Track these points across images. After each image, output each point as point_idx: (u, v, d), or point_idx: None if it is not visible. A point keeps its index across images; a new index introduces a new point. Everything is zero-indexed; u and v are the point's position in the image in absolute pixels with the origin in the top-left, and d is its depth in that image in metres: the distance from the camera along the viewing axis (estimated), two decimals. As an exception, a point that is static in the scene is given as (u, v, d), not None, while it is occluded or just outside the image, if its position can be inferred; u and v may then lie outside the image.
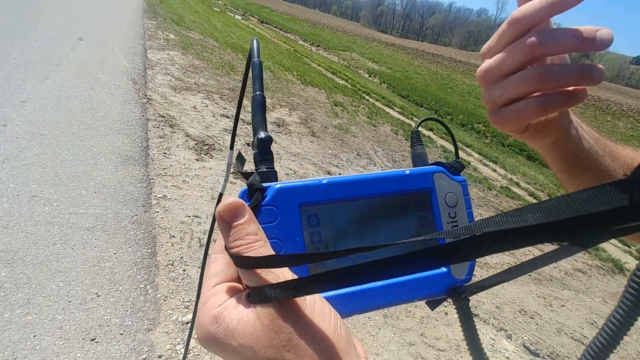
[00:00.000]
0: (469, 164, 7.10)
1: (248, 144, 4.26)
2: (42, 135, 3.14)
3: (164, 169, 3.24)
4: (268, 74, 8.29)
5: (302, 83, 8.72)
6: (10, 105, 3.47)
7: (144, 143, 3.54)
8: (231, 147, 0.49)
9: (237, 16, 26.33)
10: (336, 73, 13.72)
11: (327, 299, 0.28)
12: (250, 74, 0.39)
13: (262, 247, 0.26)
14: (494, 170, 7.44)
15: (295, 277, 0.26)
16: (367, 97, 10.66)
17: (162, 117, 4.19)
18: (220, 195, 0.50)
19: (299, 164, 4.26)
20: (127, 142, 3.44)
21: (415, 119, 9.92)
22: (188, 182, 3.17)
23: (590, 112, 19.50)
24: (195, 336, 0.27)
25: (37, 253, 2.04)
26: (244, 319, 0.24)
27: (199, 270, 2.29)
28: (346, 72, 15.03)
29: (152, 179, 3.05)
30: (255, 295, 0.24)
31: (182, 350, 1.82)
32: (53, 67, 4.72)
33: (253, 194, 0.30)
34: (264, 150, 0.33)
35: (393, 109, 10.36)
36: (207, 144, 3.93)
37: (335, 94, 8.88)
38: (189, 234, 2.57)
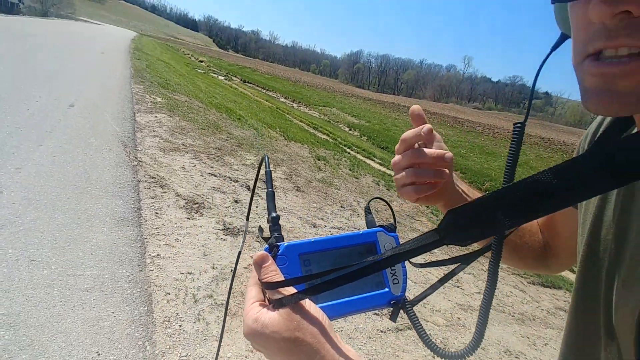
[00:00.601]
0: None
1: (236, 201, 4.45)
2: (38, 200, 3.28)
3: (156, 228, 3.37)
4: (252, 132, 8.68)
5: (285, 139, 9.13)
6: (5, 172, 3.62)
7: (137, 204, 3.69)
8: (247, 219, 0.71)
9: (220, 77, 27.52)
10: (317, 128, 14.33)
11: (320, 307, 0.49)
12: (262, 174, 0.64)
13: (279, 277, 0.45)
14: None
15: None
16: (348, 150, 11.15)
17: (153, 178, 4.38)
18: (239, 252, 0.73)
19: (286, 218, 4.45)
20: (120, 204, 3.59)
21: (395, 169, 10.34)
22: (180, 240, 3.30)
23: (558, 156, 20.65)
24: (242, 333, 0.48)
25: (38, 315, 2.12)
26: (271, 317, 0.42)
27: (195, 326, 2.38)
28: (327, 126, 15.71)
29: (146, 238, 3.17)
30: (277, 303, 0.42)
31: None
32: (46, 133, 4.93)
33: (272, 249, 0.51)
34: (275, 223, 0.55)
35: (374, 160, 10.82)
36: (197, 203, 4.10)
37: (318, 148, 9.29)
38: (183, 290, 2.68)
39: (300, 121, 15.23)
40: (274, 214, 0.54)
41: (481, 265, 5.31)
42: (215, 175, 5.07)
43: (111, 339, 2.12)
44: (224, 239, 3.55)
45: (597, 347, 0.49)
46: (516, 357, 3.33)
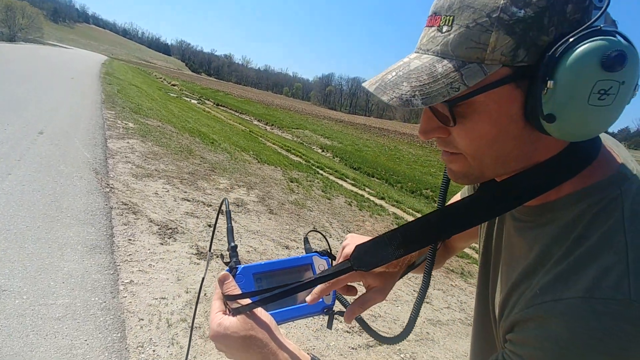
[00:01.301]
0: (418, 228, 7.66)
1: (210, 225, 4.52)
2: (8, 230, 3.27)
3: (129, 254, 3.41)
4: (225, 155, 8.78)
5: (259, 162, 9.26)
6: (-27, 203, 3.58)
7: (109, 231, 3.72)
8: (209, 249, 0.87)
9: (193, 101, 27.51)
10: (290, 150, 14.54)
11: (270, 313, 0.66)
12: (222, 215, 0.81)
13: (237, 291, 0.62)
14: (441, 233, 8.05)
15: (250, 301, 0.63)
16: (321, 171, 11.37)
17: (125, 204, 4.41)
18: (203, 279, 0.91)
19: (259, 241, 4.55)
20: (92, 232, 3.61)
21: (368, 189, 10.64)
22: (154, 266, 3.35)
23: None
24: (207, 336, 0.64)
25: (12, 345, 2.14)
26: (231, 321, 0.56)
27: (168, 350, 2.44)
28: (300, 148, 15.97)
29: (119, 265, 3.21)
30: (235, 311, 0.57)
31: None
32: (15, 162, 4.88)
33: (232, 270, 0.67)
34: (233, 251, 0.72)
35: (346, 181, 11.07)
36: (170, 228, 4.16)
37: (291, 170, 9.46)
38: (157, 315, 2.73)
39: (274, 144, 15.42)
40: (232, 244, 0.72)
41: (450, 281, 5.54)
42: (188, 200, 5.13)
43: (85, 365, 2.15)
44: (197, 263, 3.61)
45: (492, 344, 0.67)
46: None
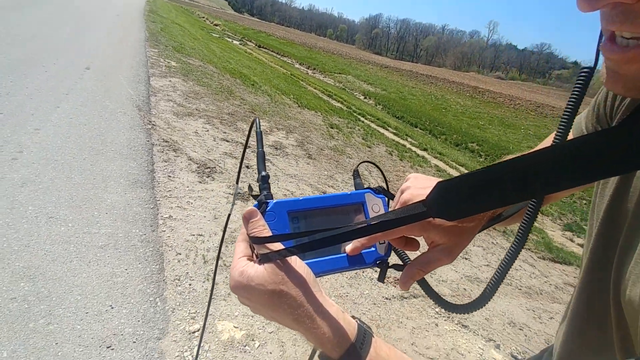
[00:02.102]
0: (461, 182, 7.33)
1: (247, 167, 4.49)
2: (56, 161, 3.37)
3: (169, 191, 3.45)
4: (265, 98, 8.62)
5: (299, 106, 9.04)
6: (25, 132, 3.71)
7: (150, 167, 3.76)
8: (237, 182, 0.72)
9: (235, 42, 27.07)
10: (332, 95, 14.12)
11: (306, 263, 0.51)
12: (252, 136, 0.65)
13: (267, 232, 0.46)
14: (486, 188, 7.67)
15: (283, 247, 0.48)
16: (362, 118, 11.00)
17: (166, 142, 4.43)
18: (229, 215, 0.76)
19: (296, 185, 4.48)
20: (134, 166, 3.67)
21: (410, 139, 10.22)
22: (192, 203, 3.37)
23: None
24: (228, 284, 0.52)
25: (55, 269, 2.23)
26: (257, 270, 0.43)
27: (204, 285, 2.47)
28: (342, 94, 15.46)
29: (159, 200, 3.26)
30: (263, 258, 0.44)
31: (190, 357, 1.99)
32: (63, 95, 4.99)
33: (261, 206, 0.52)
34: (265, 182, 0.56)
35: (387, 129, 10.67)
36: (209, 167, 4.16)
37: (331, 116, 9.19)
38: (193, 251, 2.77)
39: (315, 88, 15.00)
40: (263, 173, 0.55)
41: (491, 238, 5.30)
42: (227, 141, 5.10)
43: (124, 294, 2.23)
44: (235, 203, 3.61)
45: (603, 328, 0.51)
46: (520, 329, 3.38)
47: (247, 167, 4.51)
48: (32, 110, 4.23)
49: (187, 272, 2.55)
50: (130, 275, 2.37)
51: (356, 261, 0.57)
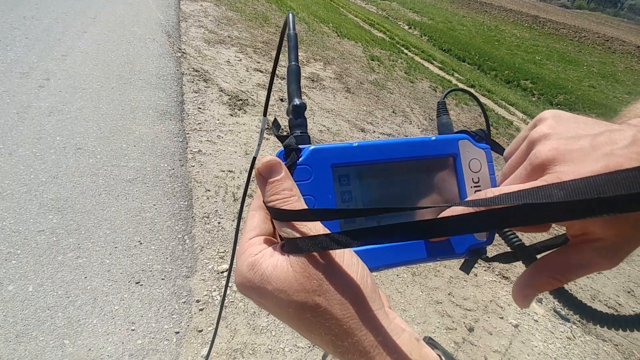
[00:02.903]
0: (511, 123, 6.74)
1: (282, 100, 4.22)
2: (84, 89, 3.24)
3: (198, 124, 3.28)
4: (303, 25, 8.02)
5: (338, 36, 8.39)
6: (52, 59, 3.57)
7: (179, 98, 3.58)
8: (264, 114, 0.49)
9: (271, -36, 25.22)
10: (374, 25, 13.06)
11: (356, 251, 0.31)
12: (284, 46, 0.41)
13: (297, 202, 0.29)
14: (539, 130, 7.04)
15: (327, 231, 0.28)
16: (405, 50, 10.15)
17: (196, 71, 4.19)
18: (254, 159, 0.52)
19: (333, 120, 4.19)
20: (163, 97, 3.49)
21: (457, 75, 9.40)
22: (222, 137, 3.21)
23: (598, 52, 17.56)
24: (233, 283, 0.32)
25: (84, 202, 2.17)
26: (278, 266, 0.27)
27: (234, 224, 2.36)
28: (384, 23, 14.28)
29: (188, 133, 3.11)
30: (290, 245, 0.27)
31: (218, 297, 1.93)
32: (90, 20, 4.77)
33: (289, 154, 0.32)
34: (298, 115, 0.36)
35: (433, 63, 9.84)
36: (241, 99, 3.92)
37: (372, 47, 8.50)
38: (223, 188, 2.64)
39: (356, 16, 13.91)
40: (296, 101, 0.36)
41: None
42: (261, 71, 4.79)
43: (152, 230, 2.15)
44: (267, 138, 3.41)
45: None
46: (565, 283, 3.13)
47: (282, 99, 4.23)
48: (59, 35, 4.06)
49: (217, 210, 2.45)
50: (159, 211, 2.29)
51: (439, 250, 0.36)
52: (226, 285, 0.61)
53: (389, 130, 4.52)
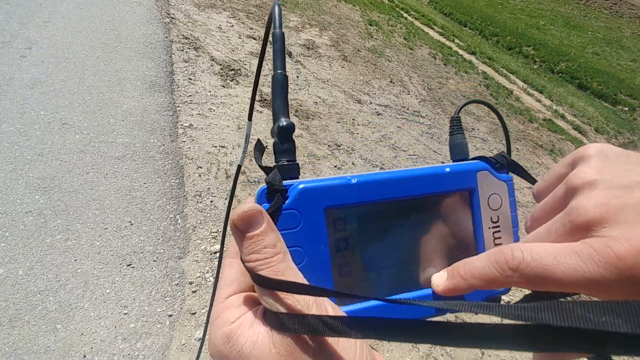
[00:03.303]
0: (512, 92, 6.60)
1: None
2: (67, 59, 3.09)
3: (189, 96, 3.17)
4: (298, -13, 7.64)
5: (335, -2, 8.03)
6: (34, 26, 3.39)
7: (169, 68, 3.44)
8: (249, 119, 0.43)
9: None
10: (372, -14, 12.50)
11: (350, 312, 0.28)
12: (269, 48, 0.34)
13: (281, 263, 0.24)
14: (539, 100, 6.91)
15: (320, 303, 0.24)
16: (405, 15, 9.77)
17: (186, 38, 4.01)
18: (239, 167, 0.47)
19: (329, 91, 4.07)
20: (151, 67, 3.35)
21: (457, 41, 9.11)
22: (214, 111, 3.11)
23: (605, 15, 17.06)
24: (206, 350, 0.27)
25: (72, 181, 2.12)
26: (258, 343, 0.23)
27: (226, 203, 2.33)
28: (384, -16, 13.66)
29: (178, 106, 3.00)
30: (272, 320, 0.23)
31: (211, 279, 1.92)
32: (73, -19, 4.50)
33: (273, 195, 0.27)
34: (284, 139, 0.30)
35: (433, 29, 9.51)
36: (233, 69, 3.78)
37: (371, 11, 8.17)
38: (215, 164, 2.58)
39: (354, -24, 13.28)
40: (283, 122, 0.30)
41: (537, 157, 4.88)
42: (254, 38, 4.59)
43: (143, 209, 2.11)
44: (261, 111, 3.31)
45: None
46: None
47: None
48: (41, 0, 3.84)
49: (209, 188, 2.40)
50: (149, 190, 2.24)
51: (449, 304, 0.30)
52: (219, 266, 0.57)
53: (386, 101, 4.40)
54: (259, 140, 0.33)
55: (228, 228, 0.29)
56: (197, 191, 2.35)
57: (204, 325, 1.73)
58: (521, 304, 0.18)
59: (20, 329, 1.52)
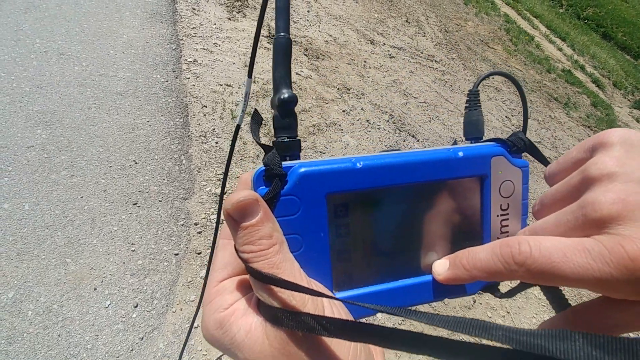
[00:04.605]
0: (533, 39, 6.23)
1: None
2: (62, -20, 2.87)
3: (193, 28, 2.99)
4: None
5: None
6: (23, -61, 3.10)
7: (171, -5, 3.20)
8: (249, 75, 0.38)
9: None
10: None
11: (347, 298, 0.27)
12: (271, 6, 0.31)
13: (277, 255, 0.23)
14: (560, 49, 6.55)
15: (315, 300, 0.23)
16: (426, -57, 8.95)
17: (189, -38, 3.69)
18: (238, 127, 0.43)
19: (340, 29, 3.83)
20: (152, -7, 3.12)
21: (480, -24, 8.42)
22: (219, 45, 2.95)
23: None
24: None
25: (73, 116, 2.06)
26: (251, 332, 0.22)
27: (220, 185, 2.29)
28: None
29: (181, 39, 2.84)
30: (266, 313, 0.23)
31: (215, 220, 1.93)
32: None
33: (271, 179, 0.25)
34: (286, 113, 0.28)
35: (455, -39, 8.75)
36: (240, 0, 3.52)
37: (389, -62, 7.46)
38: (220, 104, 2.50)
39: None
40: (285, 94, 0.28)
41: (550, 111, 4.74)
42: (261, -34, 4.24)
43: (147, 148, 2.08)
44: (269, 49, 3.14)
45: None
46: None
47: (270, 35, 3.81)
48: None
49: (214, 129, 2.34)
50: (153, 129, 2.19)
51: (449, 290, 0.30)
52: (213, 246, 0.55)
53: (400, 42, 4.17)
54: (255, 110, 0.30)
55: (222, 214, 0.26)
56: (202, 131, 2.29)
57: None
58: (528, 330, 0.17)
59: (30, 262, 1.56)
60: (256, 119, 0.30)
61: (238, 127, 0.43)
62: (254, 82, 2.74)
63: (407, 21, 4.68)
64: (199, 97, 2.48)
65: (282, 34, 0.29)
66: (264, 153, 0.26)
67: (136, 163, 2.00)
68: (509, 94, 4.34)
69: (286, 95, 0.28)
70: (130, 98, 2.28)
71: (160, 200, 1.91)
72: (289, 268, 0.23)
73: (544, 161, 0.33)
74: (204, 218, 1.93)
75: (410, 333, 0.19)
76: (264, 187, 0.25)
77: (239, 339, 0.22)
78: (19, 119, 1.93)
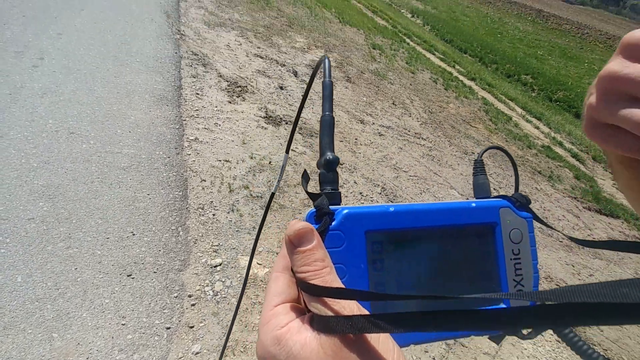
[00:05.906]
0: (510, 119, 6.70)
1: (282, 87, 4.13)
2: (78, 70, 3.15)
3: (196, 110, 3.21)
4: (305, 10, 7.85)
5: (340, 22, 8.24)
6: (47, 37, 3.46)
7: (177, 82, 3.50)
8: (287, 151, 0.48)
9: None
10: (377, 12, 12.84)
11: None
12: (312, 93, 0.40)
13: (329, 275, 0.27)
14: (537, 127, 7.01)
15: (362, 310, 0.26)
16: (407, 40, 10.01)
17: (195, 55, 4.10)
18: (272, 194, 0.51)
19: (332, 111, 4.13)
20: (160, 81, 3.41)
21: (458, 67, 9.30)
22: (220, 125, 3.15)
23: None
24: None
25: (76, 190, 2.12)
26: (307, 344, 0.25)
27: (228, 216, 2.32)
28: (388, 11, 14.04)
29: (185, 120, 3.04)
30: (320, 323, 0.25)
31: (211, 292, 1.91)
32: (87, -4, 4.62)
33: (321, 218, 0.31)
34: (330, 170, 0.34)
35: (434, 54, 9.71)
36: (240, 86, 3.84)
37: (375, 35, 8.37)
38: (219, 178, 2.60)
39: (359, 2, 13.65)
40: (329, 155, 0.35)
41: (535, 183, 4.91)
42: (261, 57, 4.69)
43: (146, 220, 2.12)
44: (265, 128, 3.36)
45: None
46: (556, 285, 3.16)
47: (282, 87, 4.14)
48: (56, 13, 3.94)
49: (212, 201, 2.41)
50: (153, 201, 2.25)
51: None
52: (245, 279, 0.58)
53: (388, 122, 4.47)
54: (305, 171, 0.37)
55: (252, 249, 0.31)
56: (200, 204, 2.35)
57: (201, 339, 1.71)
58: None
59: (15, 337, 1.50)
60: (306, 177, 0.37)
61: (272, 194, 0.52)
62: (252, 158, 2.89)
63: (393, 104, 5.06)
64: (199, 172, 2.59)
65: (327, 113, 0.37)
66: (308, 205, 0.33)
67: (134, 234, 2.03)
68: (495, 167, 4.55)
69: (331, 157, 0.35)
70: (133, 173, 2.38)
71: (155, 272, 1.90)
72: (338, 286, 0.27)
73: (539, 220, 0.38)
74: (198, 290, 1.90)
75: (454, 313, 0.22)
76: (315, 224, 0.30)
77: (295, 351, 0.25)
78: (23, 192, 1.99)
